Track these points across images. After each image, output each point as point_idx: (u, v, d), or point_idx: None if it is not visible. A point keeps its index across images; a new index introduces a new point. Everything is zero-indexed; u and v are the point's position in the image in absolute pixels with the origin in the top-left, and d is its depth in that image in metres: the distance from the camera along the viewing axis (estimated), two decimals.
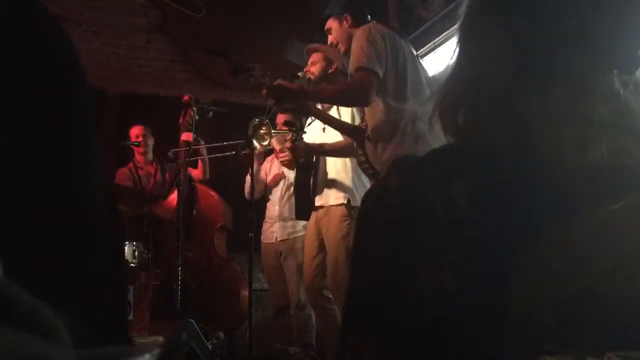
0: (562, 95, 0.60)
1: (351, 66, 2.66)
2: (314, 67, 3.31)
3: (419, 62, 2.90)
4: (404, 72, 2.68)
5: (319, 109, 3.07)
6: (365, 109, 2.81)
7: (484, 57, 0.67)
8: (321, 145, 3.32)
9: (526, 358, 0.53)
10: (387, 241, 0.66)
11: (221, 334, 3.42)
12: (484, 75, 0.65)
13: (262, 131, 3.10)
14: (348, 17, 2.89)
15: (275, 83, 2.77)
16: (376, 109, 2.69)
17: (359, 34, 2.67)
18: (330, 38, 2.95)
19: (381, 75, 2.59)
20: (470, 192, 0.60)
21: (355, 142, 2.99)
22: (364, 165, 2.96)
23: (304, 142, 3.22)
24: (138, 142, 4.38)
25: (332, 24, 2.94)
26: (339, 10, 2.93)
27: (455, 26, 0.74)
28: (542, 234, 0.55)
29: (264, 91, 2.72)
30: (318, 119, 3.12)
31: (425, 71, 2.87)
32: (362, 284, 0.68)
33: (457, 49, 0.73)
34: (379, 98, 2.65)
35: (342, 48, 2.86)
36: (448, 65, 0.74)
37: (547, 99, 0.60)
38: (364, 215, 0.73)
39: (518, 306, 0.54)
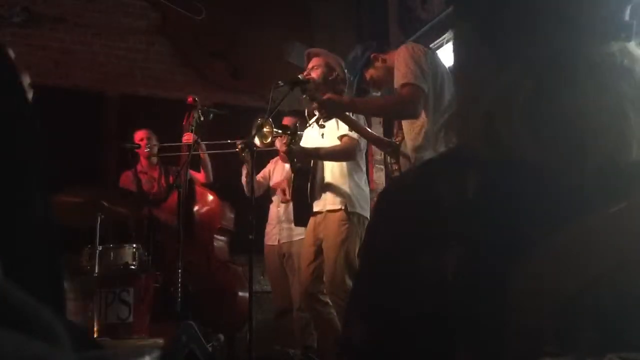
0: (583, 93, 0.60)
1: (397, 82, 2.70)
2: (314, 72, 3.31)
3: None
4: (442, 89, 2.74)
5: (355, 120, 3.11)
6: (405, 125, 2.86)
7: (503, 62, 0.67)
8: (316, 149, 3.32)
9: (526, 359, 0.53)
10: (395, 229, 0.66)
11: (221, 336, 3.41)
12: (501, 90, 0.65)
13: (265, 130, 3.11)
14: (376, 56, 2.94)
15: (325, 97, 2.86)
16: (416, 124, 2.76)
17: (402, 52, 2.73)
18: (376, 90, 2.99)
19: (426, 91, 2.66)
20: (481, 187, 0.61)
21: (389, 157, 3.05)
22: None
23: (299, 145, 3.23)
24: (139, 144, 4.38)
25: (370, 74, 2.96)
26: (362, 60, 2.96)
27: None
28: (543, 234, 0.55)
29: (315, 105, 2.84)
30: (354, 129, 3.14)
31: None
32: (368, 270, 0.69)
33: (466, 51, 0.73)
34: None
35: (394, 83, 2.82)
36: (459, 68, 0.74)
37: (570, 100, 0.60)
38: (380, 205, 0.74)
39: (518, 307, 0.54)
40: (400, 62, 2.70)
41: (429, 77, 2.67)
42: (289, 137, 3.14)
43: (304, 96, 3.05)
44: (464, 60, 0.73)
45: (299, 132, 3.17)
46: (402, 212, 0.67)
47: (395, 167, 2.99)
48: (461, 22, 0.73)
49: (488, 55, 0.68)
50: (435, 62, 2.77)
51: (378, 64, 2.93)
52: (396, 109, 2.81)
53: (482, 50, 0.69)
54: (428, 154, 2.67)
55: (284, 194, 3.90)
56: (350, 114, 3.03)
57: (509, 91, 0.63)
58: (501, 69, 0.65)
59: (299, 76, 3.20)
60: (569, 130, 0.60)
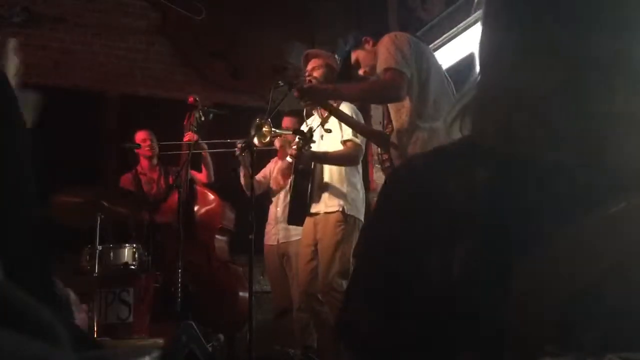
0: (615, 94, 0.58)
1: (379, 68, 2.68)
2: (315, 72, 3.31)
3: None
4: (427, 79, 2.72)
5: (346, 113, 3.09)
6: (392, 113, 2.84)
7: (524, 61, 0.63)
8: (325, 154, 3.33)
9: (526, 359, 0.53)
10: (402, 223, 0.65)
11: (221, 336, 3.42)
12: (526, 82, 0.62)
13: (264, 130, 3.12)
14: (368, 39, 2.91)
15: (306, 85, 2.84)
16: (402, 111, 2.74)
17: (385, 40, 2.71)
18: (361, 71, 2.94)
19: (409, 76, 2.63)
20: (490, 185, 0.60)
21: (379, 148, 3.03)
22: (389, 171, 2.99)
23: (311, 150, 3.22)
24: (139, 144, 4.38)
25: (357, 55, 2.93)
26: (353, 42, 2.94)
27: (455, 28, 0.73)
28: (544, 234, 0.55)
29: (296, 92, 2.79)
30: (343, 122, 3.12)
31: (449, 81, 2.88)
32: (372, 260, 0.68)
33: (494, 33, 0.68)
34: (405, 101, 2.71)
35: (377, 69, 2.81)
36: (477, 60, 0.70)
37: (599, 100, 0.59)
38: (384, 196, 0.73)
39: (519, 306, 0.54)
40: (382, 48, 2.69)
41: (412, 63, 2.65)
42: (301, 142, 3.13)
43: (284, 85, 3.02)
44: (490, 43, 0.69)
45: (313, 139, 3.16)
46: (409, 203, 0.66)
47: (384, 157, 2.98)
48: (492, 1, 0.69)
49: (517, 40, 0.64)
50: (421, 51, 2.75)
51: (368, 46, 2.91)
52: (379, 94, 2.81)
53: (511, 34, 0.65)
54: (415, 138, 2.67)
55: (278, 183, 3.90)
56: (333, 102, 3.03)
57: (534, 83, 0.61)
58: (528, 57, 0.62)
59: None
60: (591, 130, 0.58)
